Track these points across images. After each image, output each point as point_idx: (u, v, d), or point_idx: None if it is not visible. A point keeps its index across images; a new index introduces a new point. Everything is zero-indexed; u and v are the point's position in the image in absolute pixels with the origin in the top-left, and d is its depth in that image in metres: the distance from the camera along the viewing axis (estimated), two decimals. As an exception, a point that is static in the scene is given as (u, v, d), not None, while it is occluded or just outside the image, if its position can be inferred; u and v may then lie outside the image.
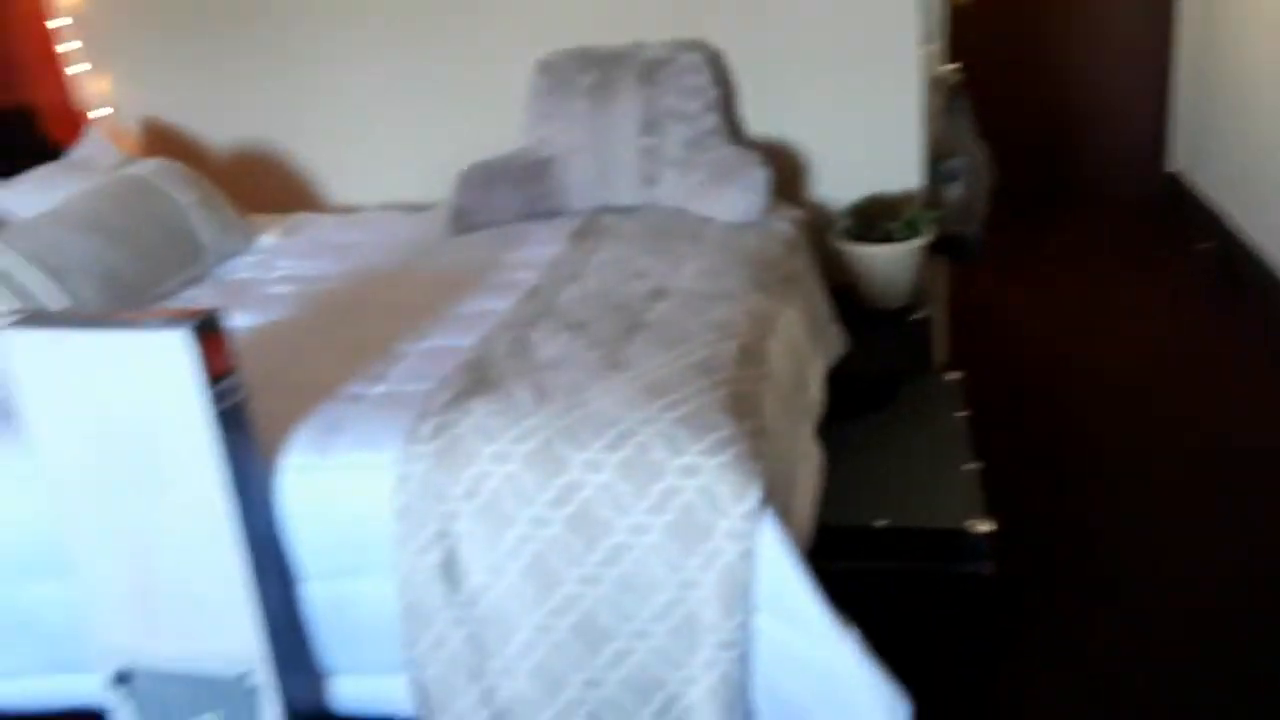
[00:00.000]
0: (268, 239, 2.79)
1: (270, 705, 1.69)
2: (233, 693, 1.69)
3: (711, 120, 2.86)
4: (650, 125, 2.83)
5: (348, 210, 3.15)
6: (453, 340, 2.04)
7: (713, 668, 1.61)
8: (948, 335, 3.11)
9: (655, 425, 1.66)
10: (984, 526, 2.05)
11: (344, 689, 1.82)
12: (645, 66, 2.88)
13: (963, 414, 2.49)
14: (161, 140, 3.26)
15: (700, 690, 1.63)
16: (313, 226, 2.92)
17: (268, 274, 2.56)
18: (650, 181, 2.83)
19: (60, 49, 3.22)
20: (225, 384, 1.57)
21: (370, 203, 3.20)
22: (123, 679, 1.71)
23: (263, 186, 3.21)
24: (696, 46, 2.91)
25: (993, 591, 2.09)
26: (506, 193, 2.84)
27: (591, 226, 2.67)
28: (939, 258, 2.99)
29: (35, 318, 1.67)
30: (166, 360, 1.52)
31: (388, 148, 3.20)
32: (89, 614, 1.73)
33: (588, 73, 2.90)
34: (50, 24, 3.19)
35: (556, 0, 2.98)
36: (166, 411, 1.56)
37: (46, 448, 1.64)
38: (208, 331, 1.54)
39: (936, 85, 3.32)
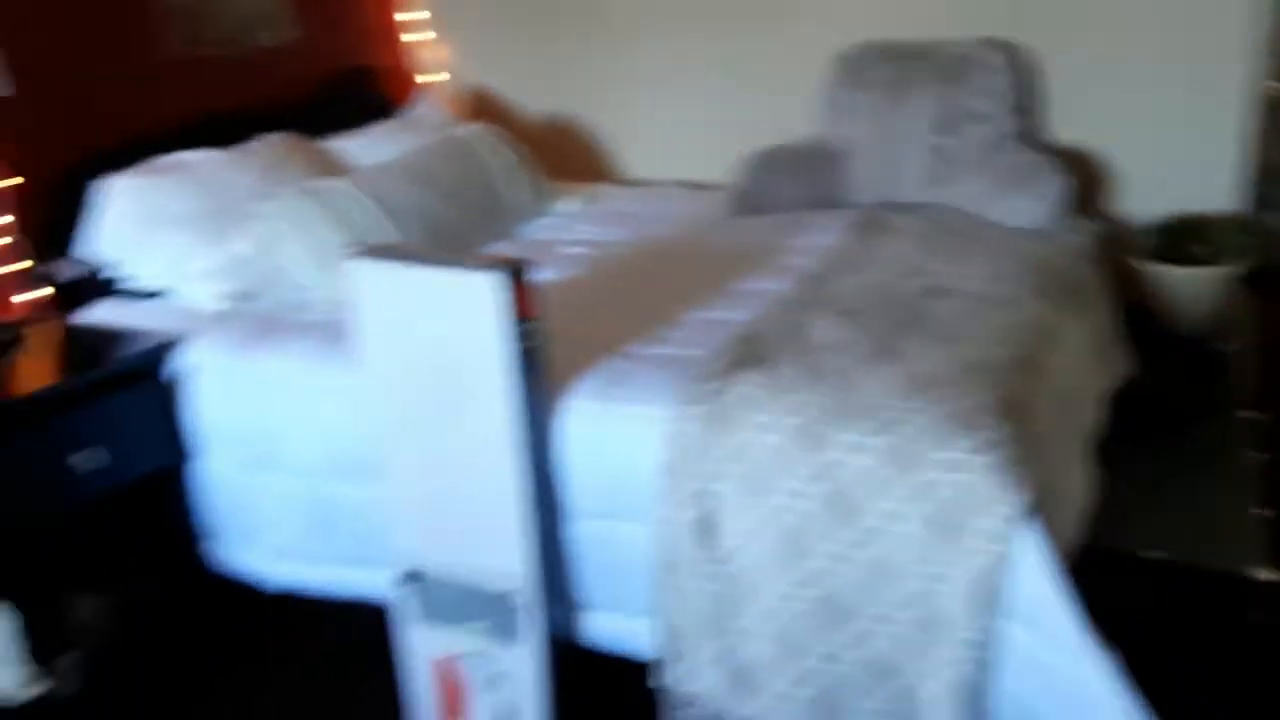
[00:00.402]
0: (567, 205, 3.00)
1: (531, 625, 1.85)
2: (500, 608, 1.86)
3: (1009, 123, 2.79)
4: (945, 124, 2.79)
5: (639, 184, 3.32)
6: (730, 314, 2.13)
7: (952, 665, 1.61)
8: (1256, 373, 2.87)
9: (923, 417, 1.67)
10: (1267, 575, 1.91)
11: (596, 623, 1.96)
12: (946, 64, 2.84)
13: (1260, 456, 2.31)
14: (482, 105, 3.57)
15: (937, 686, 1.63)
16: (608, 197, 3.11)
17: (565, 236, 2.76)
18: (938, 180, 2.79)
19: (399, 18, 3.58)
20: (529, 326, 1.73)
21: (659, 179, 3.36)
22: (411, 578, 1.92)
23: (564, 154, 3.44)
24: (1001, 46, 2.83)
25: (1267, 645, 1.93)
26: (791, 180, 2.90)
27: (873, 220, 2.67)
28: (1255, 288, 2.76)
29: (374, 250, 1.90)
30: (482, 298, 1.70)
31: (681, 128, 3.35)
32: (388, 517, 1.96)
33: (886, 67, 2.89)
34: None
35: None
36: (475, 344, 1.74)
37: (372, 365, 1.87)
38: (518, 278, 1.71)
39: (1272, 103, 3.05)
